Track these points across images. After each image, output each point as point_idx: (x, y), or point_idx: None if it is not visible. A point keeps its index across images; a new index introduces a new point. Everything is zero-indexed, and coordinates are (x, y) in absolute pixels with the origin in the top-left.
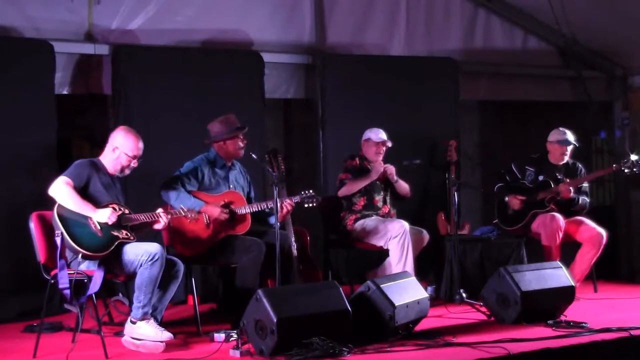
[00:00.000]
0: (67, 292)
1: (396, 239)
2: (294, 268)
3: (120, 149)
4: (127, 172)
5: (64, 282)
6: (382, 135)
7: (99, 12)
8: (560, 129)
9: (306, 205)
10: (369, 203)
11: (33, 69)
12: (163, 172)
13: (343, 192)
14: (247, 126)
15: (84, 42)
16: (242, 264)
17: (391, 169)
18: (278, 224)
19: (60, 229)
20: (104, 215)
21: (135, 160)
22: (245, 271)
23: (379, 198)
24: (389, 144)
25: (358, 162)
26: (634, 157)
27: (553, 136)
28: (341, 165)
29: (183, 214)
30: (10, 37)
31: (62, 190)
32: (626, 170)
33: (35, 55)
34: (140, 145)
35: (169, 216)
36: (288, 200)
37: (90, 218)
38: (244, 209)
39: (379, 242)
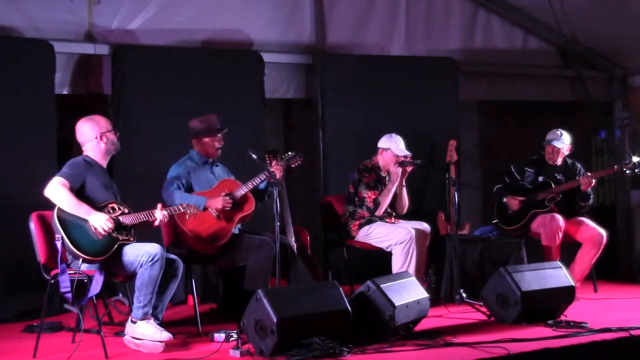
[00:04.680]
0: (69, 295)
1: (401, 244)
2: (299, 267)
3: (105, 132)
4: (117, 149)
5: (65, 286)
6: (402, 146)
7: (99, 12)
8: (555, 130)
9: (293, 166)
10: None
11: (33, 69)
12: (162, 171)
13: (381, 210)
14: (237, 130)
15: (84, 42)
16: (252, 264)
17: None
18: (278, 223)
19: (60, 232)
20: (99, 221)
21: (114, 131)
22: (256, 271)
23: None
24: (409, 155)
25: (374, 175)
26: (635, 159)
27: (546, 136)
28: (341, 166)
29: (182, 210)
30: (10, 37)
31: (57, 192)
32: (627, 172)
33: (35, 55)
34: (105, 117)
35: (165, 212)
36: (278, 167)
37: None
38: (242, 190)
39: (382, 246)
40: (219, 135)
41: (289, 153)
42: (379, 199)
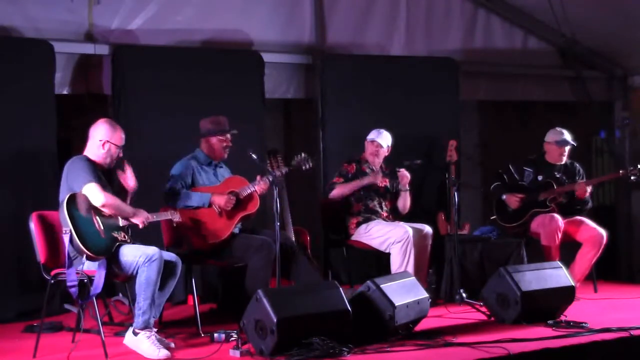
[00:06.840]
0: (75, 290)
1: (399, 244)
2: (301, 262)
3: (110, 142)
4: (112, 164)
5: (72, 280)
6: (372, 135)
7: (99, 12)
8: (558, 129)
9: (304, 168)
10: (366, 208)
11: (33, 69)
12: (162, 171)
13: (333, 194)
14: (238, 130)
15: (84, 42)
16: (253, 264)
17: (406, 177)
18: (278, 223)
19: (69, 226)
20: (142, 216)
21: (120, 151)
22: (257, 272)
23: (374, 204)
24: (382, 145)
25: (355, 167)
26: None
27: (550, 136)
28: (341, 166)
29: (169, 217)
30: (10, 37)
31: (107, 198)
32: (632, 178)
33: (35, 55)
34: (124, 135)
35: (150, 217)
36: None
37: (95, 216)
38: (248, 189)
39: (380, 246)
40: (227, 136)
41: (301, 155)
42: (336, 185)
